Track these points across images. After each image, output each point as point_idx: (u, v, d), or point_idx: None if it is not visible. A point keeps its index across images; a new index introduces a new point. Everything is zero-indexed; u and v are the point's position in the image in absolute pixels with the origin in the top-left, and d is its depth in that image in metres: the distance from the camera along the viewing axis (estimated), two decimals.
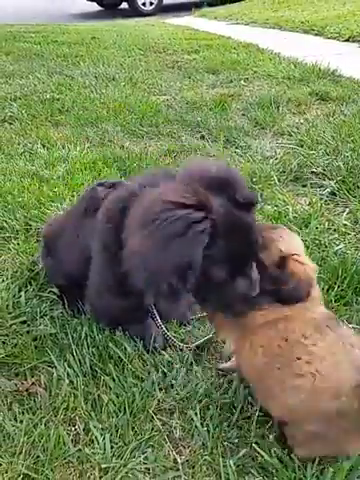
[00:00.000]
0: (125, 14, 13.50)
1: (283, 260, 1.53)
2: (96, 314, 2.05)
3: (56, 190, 3.08)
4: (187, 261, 1.37)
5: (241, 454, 1.56)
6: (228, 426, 1.65)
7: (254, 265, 1.53)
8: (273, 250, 1.56)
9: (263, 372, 1.52)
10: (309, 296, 1.55)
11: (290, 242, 1.60)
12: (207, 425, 1.65)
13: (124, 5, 14.22)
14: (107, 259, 1.85)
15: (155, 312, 2.03)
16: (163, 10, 13.91)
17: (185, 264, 1.37)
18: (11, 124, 4.44)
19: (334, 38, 8.30)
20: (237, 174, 1.59)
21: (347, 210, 2.98)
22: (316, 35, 8.77)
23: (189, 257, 1.36)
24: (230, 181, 1.51)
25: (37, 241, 2.59)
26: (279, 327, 1.51)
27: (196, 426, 1.65)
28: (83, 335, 1.96)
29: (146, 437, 1.61)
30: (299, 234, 2.68)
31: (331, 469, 1.48)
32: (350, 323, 2.02)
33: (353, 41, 7.88)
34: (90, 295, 2.02)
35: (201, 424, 1.65)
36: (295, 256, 1.54)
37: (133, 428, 1.64)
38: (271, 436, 1.59)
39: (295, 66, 6.14)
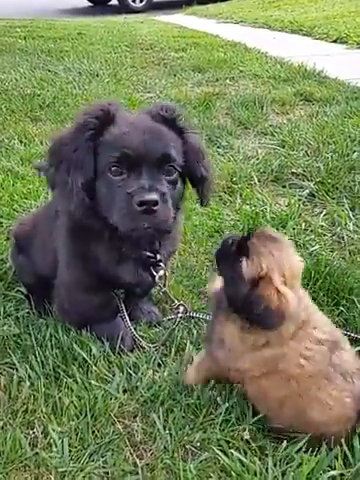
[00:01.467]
0: (115, 10, 13.41)
1: (258, 280, 1.43)
2: (64, 312, 2.01)
3: (31, 187, 3.04)
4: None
5: (203, 458, 1.54)
6: (191, 429, 1.62)
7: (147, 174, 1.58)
8: (254, 265, 1.44)
9: None
10: (279, 326, 1.44)
11: (279, 261, 1.44)
12: (170, 428, 1.62)
13: (114, 1, 14.14)
14: (75, 255, 1.83)
15: (124, 312, 2.00)
16: (153, 7, 13.84)
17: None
18: None
19: (322, 39, 8.34)
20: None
21: (324, 211, 2.97)
22: (304, 35, 8.79)
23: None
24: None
25: (7, 239, 2.54)
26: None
27: (158, 429, 1.62)
28: (47, 336, 1.92)
29: (106, 440, 1.58)
30: None
31: (291, 474, 1.46)
32: None
33: (341, 42, 7.91)
34: (58, 292, 1.99)
35: (164, 427, 1.62)
36: (271, 278, 1.41)
37: (94, 432, 1.61)
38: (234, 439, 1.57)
39: (281, 66, 6.13)
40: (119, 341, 1.93)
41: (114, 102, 1.73)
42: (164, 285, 1.95)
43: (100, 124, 1.62)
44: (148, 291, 2.10)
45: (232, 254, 1.50)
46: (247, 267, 1.44)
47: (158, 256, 1.83)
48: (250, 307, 1.43)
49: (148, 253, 1.81)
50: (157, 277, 1.87)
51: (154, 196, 1.53)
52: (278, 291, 1.41)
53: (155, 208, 1.54)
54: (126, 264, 1.81)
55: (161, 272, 1.87)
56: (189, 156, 1.70)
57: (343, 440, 1.52)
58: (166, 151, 1.61)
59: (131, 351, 1.94)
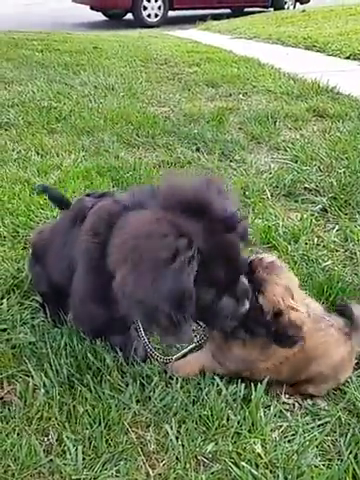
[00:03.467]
0: (130, 25, 13.60)
1: (280, 311, 1.60)
2: (79, 323, 2.04)
3: (47, 198, 3.08)
4: (181, 290, 1.36)
5: (214, 469, 1.56)
6: (203, 441, 1.64)
7: (242, 279, 1.55)
8: (269, 300, 1.61)
9: None
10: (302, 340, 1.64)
11: (287, 287, 1.63)
12: (182, 439, 1.64)
13: (129, 16, 14.34)
14: (91, 268, 1.86)
15: (139, 323, 2.03)
16: (168, 22, 14.01)
17: (179, 294, 1.36)
18: (6, 130, 4.44)
19: (335, 55, 8.36)
20: (213, 194, 1.54)
21: (337, 227, 2.98)
22: (318, 51, 8.83)
23: (182, 286, 1.35)
24: (206, 204, 1.48)
25: (24, 248, 2.59)
26: None
27: (171, 440, 1.64)
28: (62, 345, 1.95)
29: (119, 449, 1.60)
30: (288, 249, 2.70)
31: None
32: None
33: (354, 59, 7.93)
34: (74, 304, 2.02)
35: (176, 438, 1.64)
36: (291, 306, 1.61)
37: (107, 440, 1.63)
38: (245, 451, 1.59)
39: (294, 82, 6.17)
40: (132, 351, 1.95)
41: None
42: None
43: None
44: None
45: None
46: (264, 303, 1.61)
47: None
48: (284, 334, 1.62)
49: None
50: None
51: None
52: (296, 310, 1.61)
53: None
54: None
55: None
56: None
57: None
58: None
59: (144, 362, 1.96)
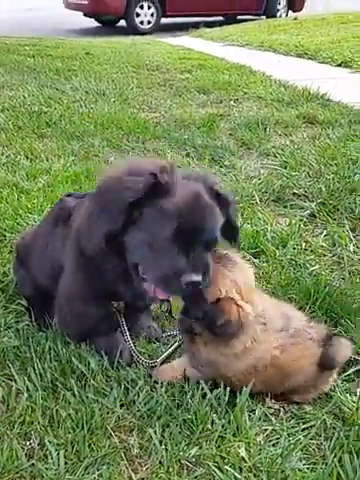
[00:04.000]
0: (123, 31, 13.65)
1: (219, 299, 1.65)
2: (64, 324, 2.04)
3: (35, 202, 3.08)
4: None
5: (198, 473, 1.55)
6: (187, 445, 1.64)
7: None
8: (213, 289, 1.66)
9: None
10: (238, 334, 1.68)
11: (235, 282, 1.68)
12: (166, 443, 1.63)
13: (122, 22, 14.40)
14: (80, 265, 1.85)
15: (124, 326, 2.02)
16: (161, 29, 14.08)
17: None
18: None
19: (327, 63, 8.43)
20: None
21: (325, 232, 3.00)
22: (309, 59, 8.90)
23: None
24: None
25: (10, 252, 2.57)
26: None
27: (154, 444, 1.62)
28: (46, 349, 1.93)
29: (102, 454, 1.59)
30: (276, 254, 2.71)
31: None
32: None
33: (345, 66, 8.00)
34: (60, 304, 2.01)
35: (160, 442, 1.63)
36: (231, 297, 1.65)
37: (90, 444, 1.62)
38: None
39: (285, 89, 6.21)
40: (117, 355, 1.94)
41: (168, 165, 1.64)
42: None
43: (147, 195, 1.57)
44: (149, 305, 2.12)
45: None
46: (207, 291, 1.65)
47: None
48: (212, 321, 1.65)
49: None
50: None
51: (200, 278, 1.56)
52: (237, 305, 1.65)
53: (197, 287, 1.58)
54: (129, 280, 1.78)
55: None
56: (226, 228, 1.73)
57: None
58: (216, 235, 1.65)
59: (129, 366, 1.95)
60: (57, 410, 1.71)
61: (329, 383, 1.86)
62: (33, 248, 2.15)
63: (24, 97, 5.44)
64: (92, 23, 15.19)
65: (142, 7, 13.71)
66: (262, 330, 1.74)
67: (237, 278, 1.67)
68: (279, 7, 16.00)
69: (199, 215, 1.58)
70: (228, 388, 1.79)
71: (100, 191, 1.67)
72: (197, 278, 1.55)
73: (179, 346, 2.03)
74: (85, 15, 14.81)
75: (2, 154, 3.95)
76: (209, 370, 1.80)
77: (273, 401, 1.84)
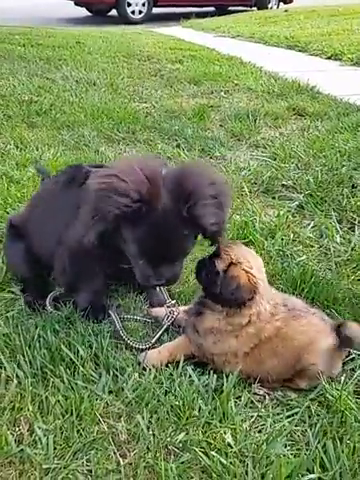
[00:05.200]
0: (114, 21, 13.56)
1: (229, 266, 1.74)
2: (60, 272, 2.18)
3: (25, 191, 3.08)
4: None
5: (184, 458, 1.57)
6: (174, 430, 1.66)
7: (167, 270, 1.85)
8: (224, 257, 1.77)
9: None
10: (248, 302, 1.75)
11: (244, 254, 1.81)
12: (153, 429, 1.66)
13: (114, 12, 14.30)
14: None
15: (114, 314, 2.07)
16: (152, 19, 14.02)
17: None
18: None
19: (317, 55, 8.47)
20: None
21: (312, 223, 3.03)
22: (299, 51, 8.93)
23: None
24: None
25: (0, 241, 2.58)
26: None
27: (142, 430, 1.65)
28: (36, 336, 1.95)
29: (90, 439, 1.61)
30: (264, 244, 2.74)
31: (271, 476, 1.50)
32: None
33: (335, 59, 8.05)
34: (60, 252, 2.12)
35: (147, 428, 1.66)
36: (241, 263, 1.72)
37: (78, 430, 1.64)
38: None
39: (275, 81, 6.23)
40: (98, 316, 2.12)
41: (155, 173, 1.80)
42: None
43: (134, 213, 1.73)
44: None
45: (208, 260, 1.86)
46: (219, 263, 1.78)
47: None
48: (225, 287, 1.75)
49: None
50: None
51: (163, 281, 1.89)
52: (246, 271, 1.74)
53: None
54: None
55: None
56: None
57: None
58: (184, 252, 1.90)
59: (99, 321, 2.09)
60: (46, 397, 1.73)
61: (339, 367, 1.91)
62: (32, 220, 2.20)
63: (14, 86, 5.40)
64: (83, 12, 15.07)
65: None
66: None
67: (247, 255, 1.81)
68: None
69: (161, 245, 1.78)
70: (215, 376, 1.83)
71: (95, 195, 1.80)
72: (161, 282, 1.89)
73: (167, 329, 2.09)
74: (76, 4, 14.70)
75: None
76: (214, 346, 1.86)
77: (259, 386, 1.87)
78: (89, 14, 15.34)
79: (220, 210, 1.83)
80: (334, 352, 1.86)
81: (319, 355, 1.83)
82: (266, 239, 2.80)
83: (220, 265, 1.77)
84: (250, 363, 1.84)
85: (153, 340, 2.02)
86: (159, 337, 2.05)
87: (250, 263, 1.78)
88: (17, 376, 1.80)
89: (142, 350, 1.98)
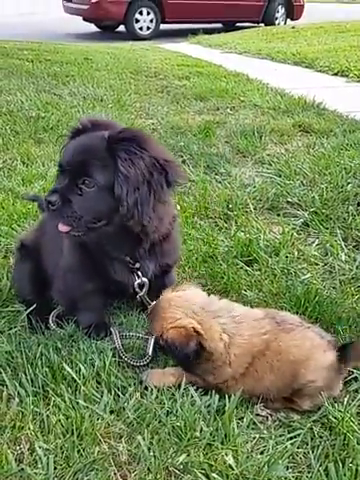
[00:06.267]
0: (122, 37, 13.70)
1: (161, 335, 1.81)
2: (58, 293, 2.24)
3: (30, 207, 3.10)
4: None
5: None
6: (175, 452, 1.65)
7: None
8: (154, 326, 1.87)
9: None
10: (195, 356, 1.77)
11: (171, 304, 1.84)
12: (154, 450, 1.65)
13: (122, 28, 14.46)
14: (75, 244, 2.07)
15: (115, 332, 2.07)
16: (160, 35, 14.14)
17: None
18: None
19: (323, 72, 8.49)
20: None
21: (317, 241, 3.02)
22: (306, 68, 8.96)
23: None
24: None
25: (4, 257, 2.60)
26: None
27: (143, 451, 1.64)
28: (38, 354, 1.95)
29: (91, 460, 1.60)
30: (268, 262, 2.73)
31: None
32: None
33: (341, 75, 8.07)
34: (58, 274, 2.20)
35: (148, 449, 1.65)
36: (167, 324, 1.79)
37: (79, 450, 1.63)
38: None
39: (282, 97, 6.25)
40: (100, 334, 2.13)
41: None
42: (144, 292, 2.15)
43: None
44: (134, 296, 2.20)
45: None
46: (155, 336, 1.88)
47: (137, 264, 2.05)
48: (174, 355, 1.84)
49: (127, 258, 2.03)
50: (135, 283, 2.09)
51: (52, 198, 1.85)
52: (176, 327, 1.78)
53: (53, 208, 1.85)
54: (113, 263, 2.07)
55: (139, 280, 2.09)
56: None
57: None
58: (83, 163, 1.86)
59: (102, 339, 2.12)
60: (48, 416, 1.73)
61: (340, 385, 1.89)
62: (42, 238, 2.23)
63: (22, 102, 5.47)
64: (91, 28, 15.25)
65: (141, 13, 13.77)
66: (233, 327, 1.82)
67: (186, 306, 1.83)
68: (277, 15, 16.10)
69: (67, 151, 1.91)
70: (217, 396, 1.82)
71: None
72: (49, 198, 1.86)
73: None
74: (85, 20, 14.86)
75: None
76: (210, 376, 1.86)
77: (261, 407, 1.86)
78: (97, 30, 15.52)
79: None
80: (335, 370, 1.84)
81: (317, 371, 1.81)
82: (270, 257, 2.80)
83: (158, 338, 1.85)
84: (249, 382, 1.83)
85: (148, 356, 2.03)
86: (154, 349, 2.04)
87: (195, 313, 1.80)
88: (19, 394, 1.81)
89: (139, 367, 1.99)
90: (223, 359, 1.79)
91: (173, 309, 1.82)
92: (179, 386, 1.87)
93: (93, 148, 1.87)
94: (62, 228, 1.88)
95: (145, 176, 1.83)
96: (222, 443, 1.68)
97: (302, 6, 16.37)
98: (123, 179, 1.81)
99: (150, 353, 2.02)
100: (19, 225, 2.91)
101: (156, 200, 1.87)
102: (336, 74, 8.19)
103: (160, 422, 1.74)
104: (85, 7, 13.70)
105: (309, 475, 1.60)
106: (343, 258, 2.84)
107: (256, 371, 1.81)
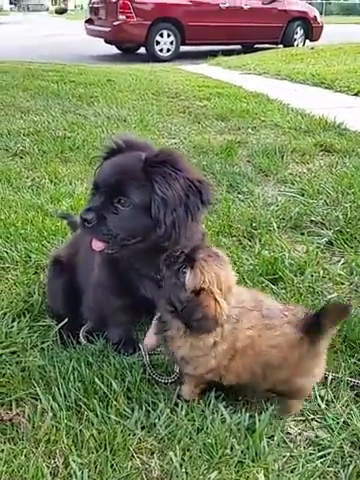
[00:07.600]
0: (142, 59, 13.94)
1: (200, 291, 1.66)
2: (88, 310, 2.28)
3: (59, 224, 3.17)
4: None
5: None
6: (207, 468, 1.66)
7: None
8: (196, 278, 1.67)
9: None
10: (212, 331, 1.70)
11: (218, 277, 1.69)
12: (186, 467, 1.66)
13: (142, 50, 14.72)
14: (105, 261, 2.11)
15: (143, 348, 2.10)
16: (180, 57, 14.36)
17: None
18: (22, 158, 4.58)
19: (343, 92, 8.52)
20: None
21: (343, 260, 3.02)
22: (326, 88, 9.00)
23: None
24: None
25: (35, 273, 2.66)
26: None
27: (175, 467, 1.66)
28: (70, 369, 1.98)
29: (124, 475, 1.62)
30: (294, 281, 2.74)
31: None
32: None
33: None
34: (88, 292, 2.25)
35: (180, 465, 1.66)
36: (213, 292, 1.66)
37: (112, 465, 1.65)
38: None
39: (302, 117, 6.30)
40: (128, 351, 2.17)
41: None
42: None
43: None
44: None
45: (179, 263, 1.73)
46: (190, 278, 1.67)
47: None
48: (190, 313, 1.68)
49: (157, 276, 1.98)
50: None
51: (88, 216, 1.87)
52: (216, 301, 1.65)
53: (88, 225, 1.88)
54: (143, 280, 2.09)
55: None
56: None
57: None
58: (119, 183, 1.89)
59: (130, 354, 2.15)
60: (81, 430, 1.76)
61: (323, 367, 1.85)
62: (77, 252, 2.32)
63: (48, 122, 5.60)
64: (113, 50, 15.57)
65: (162, 35, 14.03)
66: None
67: (221, 275, 1.69)
68: (296, 36, 16.27)
69: (103, 171, 1.96)
70: (248, 414, 1.83)
71: None
72: (84, 216, 1.88)
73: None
74: (106, 42, 15.18)
75: (27, 177, 4.08)
76: (196, 364, 1.82)
77: (292, 426, 1.87)
78: (118, 51, 15.83)
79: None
80: (310, 358, 1.78)
81: (290, 371, 1.78)
82: (295, 275, 2.81)
83: (190, 282, 1.68)
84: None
85: (175, 373, 2.03)
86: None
87: (222, 286, 1.69)
88: (52, 408, 1.83)
89: (165, 384, 2.00)
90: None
91: (224, 276, 1.70)
92: (209, 403, 1.88)
93: (129, 168, 1.91)
94: (96, 245, 1.93)
95: (182, 198, 1.87)
96: (253, 461, 1.69)
97: (321, 27, 16.53)
98: (160, 201, 1.85)
99: (173, 376, 2.03)
100: (49, 242, 2.97)
101: (192, 221, 1.91)
102: (356, 94, 8.21)
103: (191, 439, 1.75)
104: (107, 29, 14.01)
105: None
106: None
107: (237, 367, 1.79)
